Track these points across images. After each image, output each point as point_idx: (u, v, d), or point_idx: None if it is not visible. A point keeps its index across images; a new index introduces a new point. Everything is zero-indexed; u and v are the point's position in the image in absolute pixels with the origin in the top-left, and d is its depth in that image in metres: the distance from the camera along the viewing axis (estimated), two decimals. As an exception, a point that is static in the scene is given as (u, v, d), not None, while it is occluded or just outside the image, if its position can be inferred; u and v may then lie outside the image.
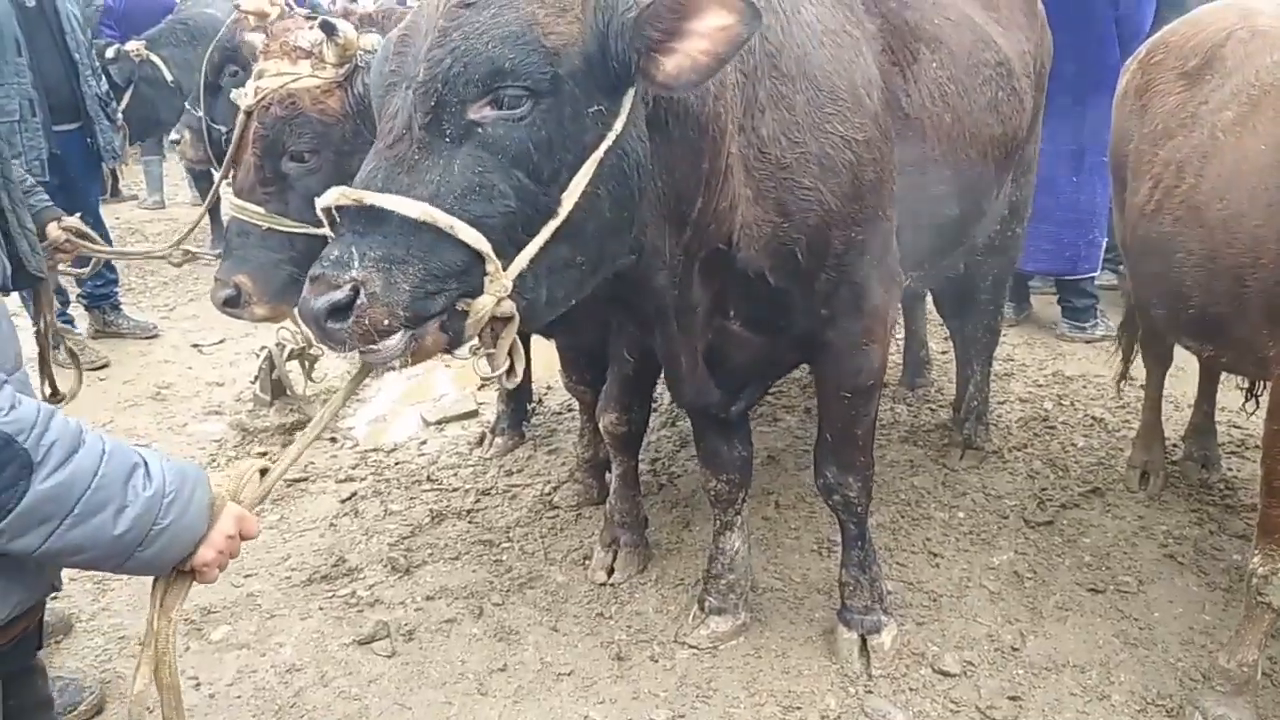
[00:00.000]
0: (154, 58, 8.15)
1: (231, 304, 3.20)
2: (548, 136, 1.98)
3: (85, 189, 6.03)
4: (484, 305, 1.95)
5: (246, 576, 3.68)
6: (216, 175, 4.29)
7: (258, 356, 5.24)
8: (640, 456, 3.86)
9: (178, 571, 1.86)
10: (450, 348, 2.01)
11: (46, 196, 3.46)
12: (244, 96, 3.25)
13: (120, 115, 8.01)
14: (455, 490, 4.35)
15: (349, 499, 4.29)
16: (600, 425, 3.64)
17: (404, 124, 1.96)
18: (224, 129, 3.94)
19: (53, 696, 2.44)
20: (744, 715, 2.97)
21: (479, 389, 5.34)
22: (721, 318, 2.75)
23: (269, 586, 3.65)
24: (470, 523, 4.06)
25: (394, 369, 1.96)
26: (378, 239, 1.88)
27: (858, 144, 2.63)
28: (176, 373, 5.87)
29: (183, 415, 5.29)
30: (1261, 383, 3.55)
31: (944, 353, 5.34)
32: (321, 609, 3.51)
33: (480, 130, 1.95)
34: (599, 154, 2.03)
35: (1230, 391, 4.03)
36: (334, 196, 1.92)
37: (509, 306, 1.99)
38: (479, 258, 1.92)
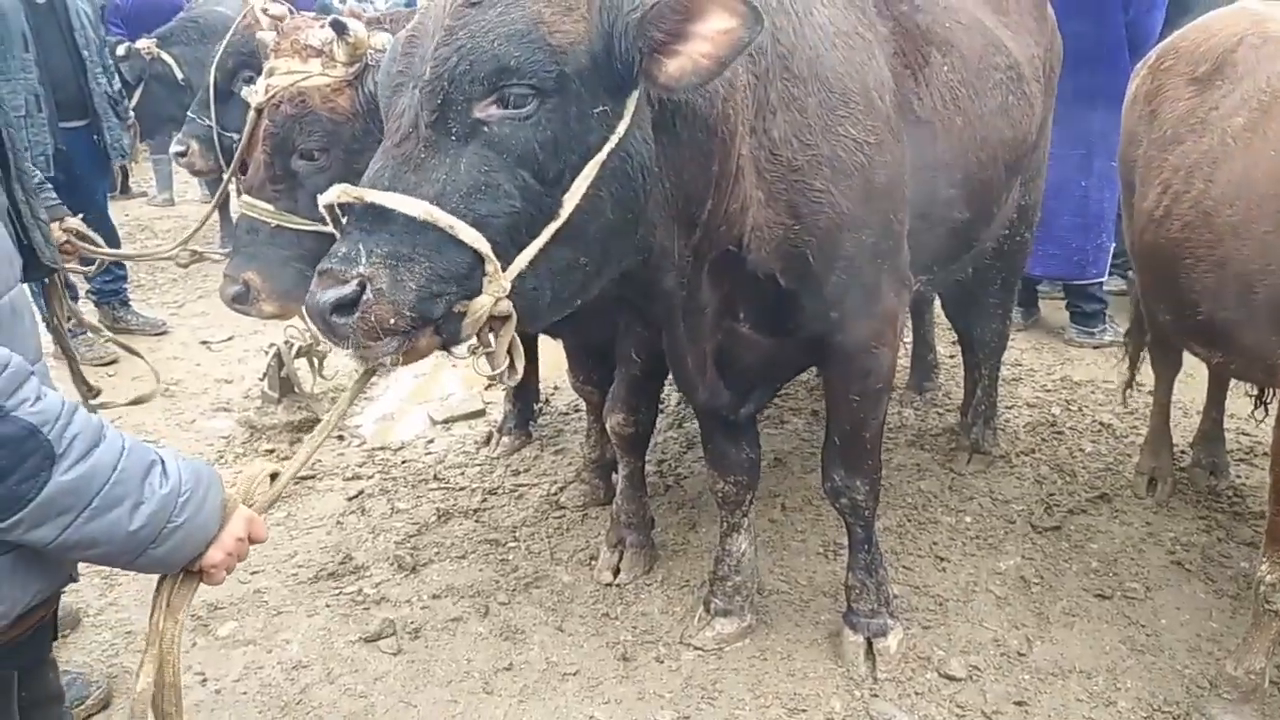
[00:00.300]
0: (165, 55, 8.18)
1: (240, 300, 3.21)
2: (553, 136, 1.99)
3: (92, 187, 6.05)
4: (481, 305, 1.96)
5: (253, 573, 3.69)
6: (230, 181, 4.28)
7: (266, 354, 5.24)
8: (647, 457, 3.86)
9: (185, 572, 1.87)
10: (446, 346, 2.02)
11: (54, 195, 3.47)
12: (255, 94, 3.26)
13: (131, 113, 8.06)
14: (462, 489, 4.35)
15: (356, 497, 4.30)
16: (607, 426, 3.65)
17: (410, 123, 1.97)
18: (236, 136, 3.92)
19: (63, 690, 2.45)
20: (749, 717, 2.97)
21: (486, 388, 5.35)
22: (731, 319, 2.75)
23: (276, 583, 3.67)
24: (477, 522, 4.06)
25: (385, 366, 1.96)
26: (385, 236, 1.90)
27: (870, 146, 2.63)
28: (185, 369, 5.89)
29: (191, 412, 5.30)
30: (1270, 390, 3.55)
31: (951, 357, 5.33)
32: (328, 606, 3.52)
33: (486, 129, 1.96)
34: (602, 155, 2.04)
35: (1239, 398, 4.03)
36: (336, 194, 1.94)
37: (506, 306, 1.99)
38: (480, 258, 1.93)
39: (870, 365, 2.90)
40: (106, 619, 3.48)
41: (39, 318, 2.31)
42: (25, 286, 1.97)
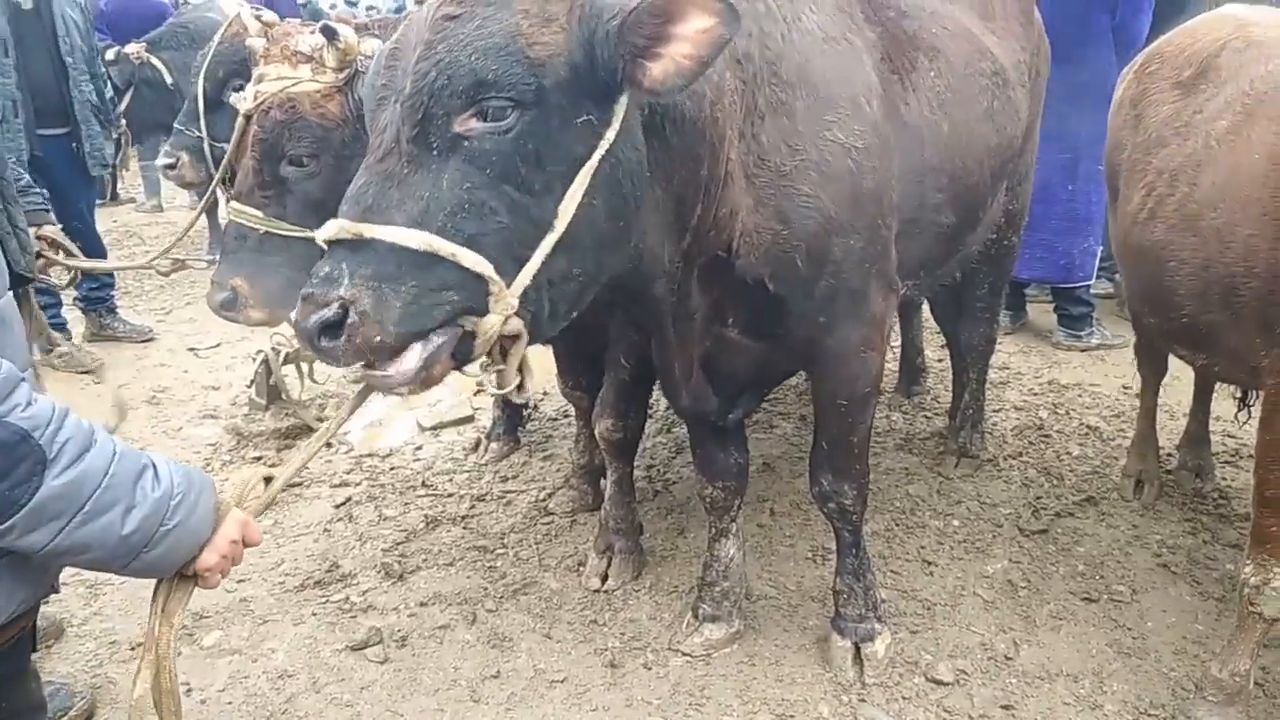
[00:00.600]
0: (154, 60, 8.17)
1: (228, 307, 3.20)
2: (536, 148, 1.98)
3: (72, 195, 6.00)
4: (491, 325, 1.96)
5: (239, 582, 3.67)
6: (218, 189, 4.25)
7: (254, 361, 5.23)
8: (636, 463, 3.86)
9: (180, 576, 1.86)
10: (459, 367, 2.01)
11: (41, 198, 3.44)
12: (243, 100, 3.25)
13: (123, 119, 8.03)
14: (450, 496, 4.34)
15: (343, 504, 4.29)
16: (596, 431, 3.64)
17: (392, 138, 1.97)
18: (227, 147, 3.89)
19: (45, 701, 2.43)
20: (737, 723, 2.97)
21: (474, 394, 5.33)
22: (720, 324, 2.75)
23: (262, 592, 3.65)
24: (465, 529, 4.05)
25: (402, 394, 1.96)
26: (369, 256, 1.89)
27: (857, 151, 2.63)
28: (172, 376, 5.87)
29: (178, 419, 5.28)
30: (1254, 392, 3.56)
31: (940, 360, 5.34)
32: (314, 615, 3.50)
33: (467, 143, 1.95)
34: (592, 164, 2.03)
35: (1225, 401, 4.04)
36: (334, 230, 1.92)
37: (516, 324, 1.99)
38: (472, 275, 1.92)
39: (858, 369, 2.90)
40: (91, 629, 3.46)
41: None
42: (11, 295, 1.97)
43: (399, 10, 11.27)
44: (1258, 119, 2.91)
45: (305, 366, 4.99)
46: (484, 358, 2.04)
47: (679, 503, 4.21)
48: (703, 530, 3.51)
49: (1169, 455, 4.27)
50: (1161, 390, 4.13)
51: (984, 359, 4.42)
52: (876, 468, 4.29)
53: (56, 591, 2.15)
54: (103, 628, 3.46)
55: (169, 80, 7.98)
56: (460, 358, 1.99)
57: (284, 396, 4.96)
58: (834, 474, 3.04)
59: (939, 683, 3.07)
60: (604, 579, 3.62)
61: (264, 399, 4.99)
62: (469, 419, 5.15)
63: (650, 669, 3.19)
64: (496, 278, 1.93)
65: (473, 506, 4.23)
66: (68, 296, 6.27)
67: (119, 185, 10.75)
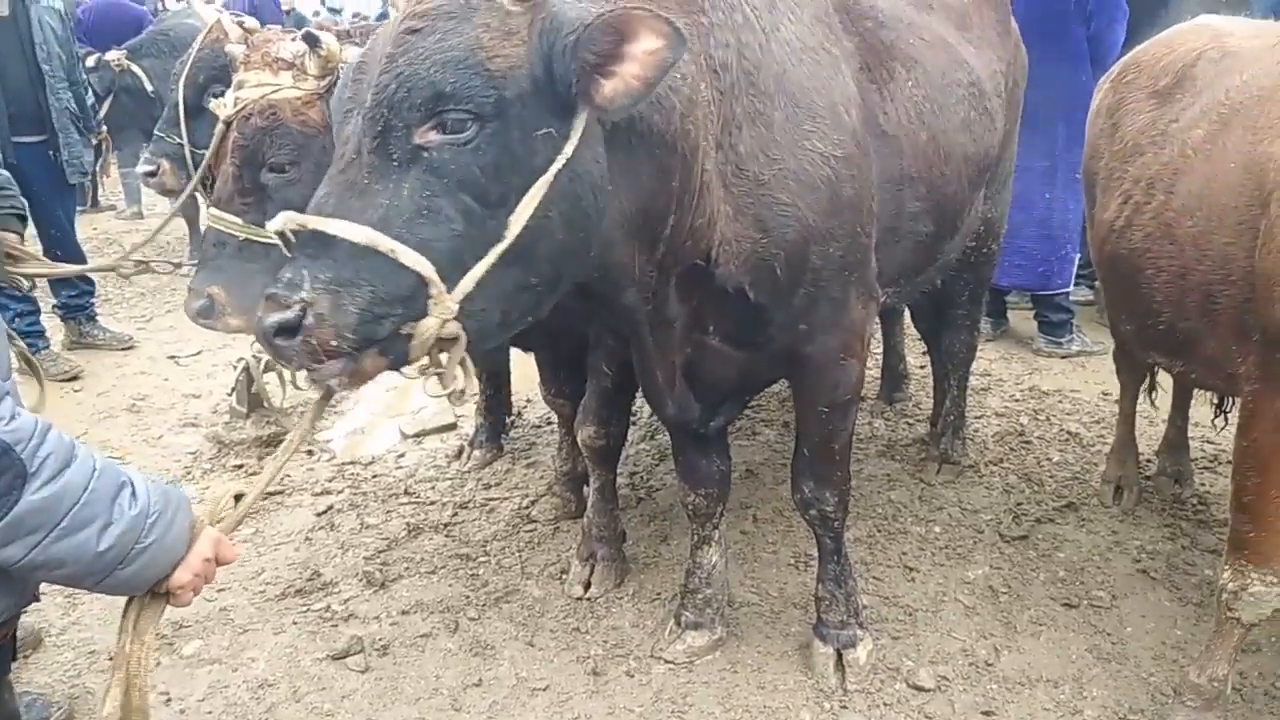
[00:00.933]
0: (135, 68, 8.14)
1: (205, 315, 3.18)
2: (494, 160, 1.99)
3: (50, 203, 5.96)
4: (428, 328, 1.97)
5: (219, 591, 3.65)
6: (198, 195, 4.23)
7: (235, 369, 5.21)
8: (619, 470, 3.86)
9: (152, 594, 1.86)
10: (394, 367, 2.03)
11: (19, 204, 3.39)
12: (223, 107, 3.24)
13: (103, 126, 7.99)
14: (432, 504, 4.33)
15: (325, 512, 4.27)
16: (578, 439, 3.64)
17: (354, 149, 1.99)
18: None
19: (19, 711, 2.42)
20: (719, 730, 2.97)
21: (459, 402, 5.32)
22: (700, 333, 2.76)
23: (242, 601, 3.63)
24: (447, 536, 4.04)
25: (332, 387, 1.98)
26: (328, 262, 1.91)
27: (836, 160, 2.64)
28: (153, 384, 5.83)
29: (158, 427, 5.25)
30: (1231, 398, 3.59)
31: (922, 367, 5.37)
32: (295, 624, 3.48)
33: (426, 154, 1.97)
34: (548, 177, 2.04)
35: (1203, 406, 4.07)
36: (282, 221, 1.95)
37: (454, 328, 2.00)
38: (415, 277, 1.93)
39: (839, 377, 2.92)
40: (69, 638, 3.43)
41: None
42: None
43: (383, 17, 11.24)
44: (1233, 128, 2.93)
45: (287, 374, 4.97)
46: (423, 359, 2.04)
47: (662, 510, 4.21)
48: (685, 537, 3.52)
49: (1148, 461, 4.30)
50: (1140, 396, 4.16)
51: (965, 365, 4.45)
52: (859, 474, 4.30)
53: (37, 600, 2.14)
54: (81, 637, 3.44)
55: (149, 87, 7.96)
56: (396, 358, 2.00)
57: (265, 404, 4.93)
58: (816, 481, 3.05)
59: (920, 689, 3.08)
60: (586, 586, 3.61)
61: (245, 407, 4.97)
62: (452, 426, 5.14)
63: (633, 676, 3.19)
64: (436, 280, 1.94)
65: (455, 514, 4.22)
66: (46, 304, 6.25)
67: (99, 192, 10.70)
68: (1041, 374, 5.58)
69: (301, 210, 2.45)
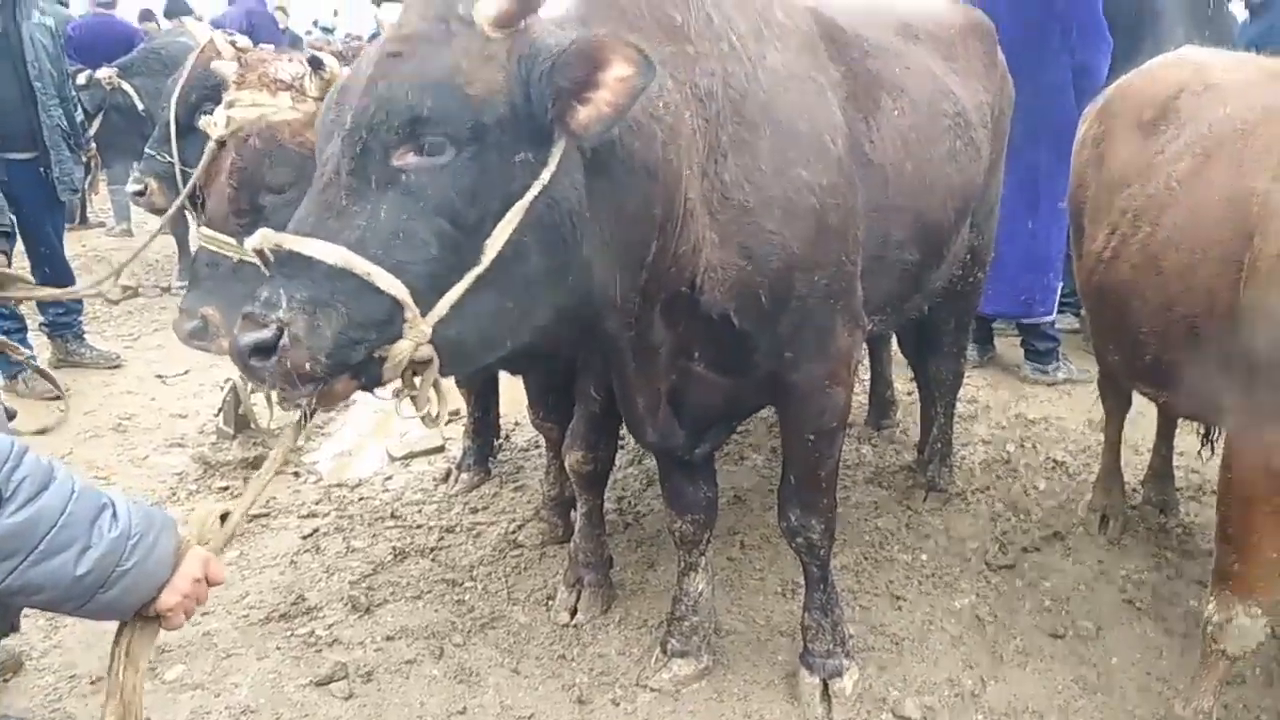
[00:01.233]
0: (126, 86, 8.16)
1: (198, 336, 3.17)
2: (471, 184, 2.00)
3: (39, 220, 5.96)
4: (401, 350, 1.97)
5: (203, 615, 3.61)
6: (188, 214, 4.22)
7: (222, 389, 5.19)
8: (606, 494, 3.85)
9: (142, 618, 1.83)
10: (367, 389, 2.04)
11: (4, 217, 3.37)
12: (214, 125, 3.24)
13: (93, 143, 7.99)
14: (419, 527, 4.31)
15: (311, 535, 4.25)
16: (566, 463, 3.63)
17: (334, 170, 1.99)
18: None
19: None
20: (704, 760, 2.95)
21: (445, 424, 5.30)
22: (685, 359, 2.76)
23: (226, 625, 3.60)
24: (433, 561, 4.02)
25: (301, 408, 2.00)
26: (305, 282, 1.91)
27: (821, 189, 2.66)
28: (139, 404, 5.81)
29: (144, 448, 5.22)
30: (1217, 429, 3.60)
31: (909, 393, 5.37)
32: (279, 649, 3.45)
33: (404, 177, 1.97)
34: (525, 202, 2.04)
35: (1189, 435, 4.09)
36: (259, 239, 1.95)
37: (427, 352, 2.00)
38: (390, 300, 1.94)
39: (825, 404, 2.92)
40: (50, 662, 3.40)
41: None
42: None
43: (375, 37, 11.28)
44: (1216, 162, 2.96)
45: (274, 395, 4.95)
46: (397, 381, 2.04)
47: (649, 535, 4.20)
48: (673, 563, 3.50)
49: (1134, 490, 4.31)
50: (1126, 425, 4.17)
51: (952, 393, 4.46)
52: (846, 501, 4.30)
53: (17, 630, 2.12)
54: (63, 661, 3.40)
55: (140, 106, 7.99)
56: (369, 380, 2.01)
57: (252, 425, 4.92)
58: (802, 508, 3.05)
59: (906, 719, 3.07)
60: (573, 613, 3.60)
61: (232, 428, 4.96)
62: (439, 449, 5.13)
63: (618, 704, 3.17)
64: (411, 304, 1.95)
65: (441, 538, 4.20)
66: (33, 321, 6.22)
67: (88, 209, 10.69)
68: (1028, 401, 5.60)
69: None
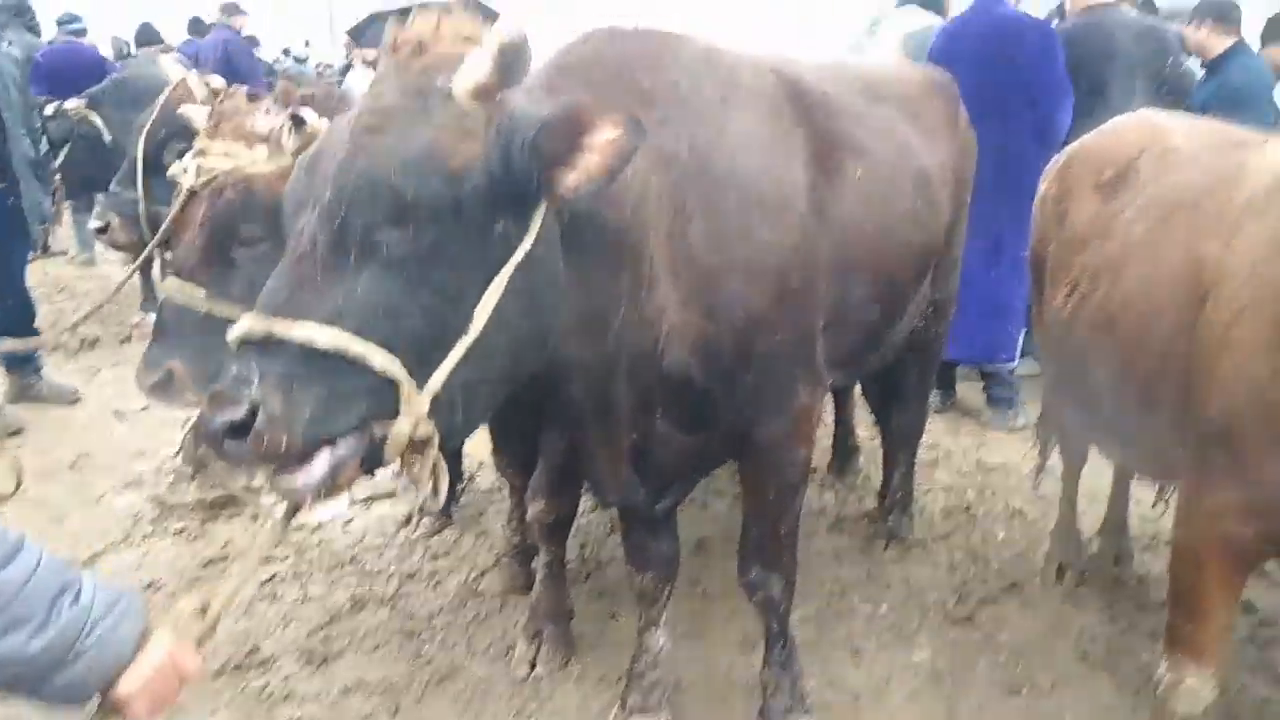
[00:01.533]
0: (93, 117, 8.09)
1: (160, 390, 3.10)
2: (452, 257, 1.99)
3: (4, 251, 5.90)
4: (402, 430, 1.93)
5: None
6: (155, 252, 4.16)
7: (182, 428, 5.12)
8: (569, 541, 3.83)
9: (103, 711, 1.77)
10: (369, 471, 1.98)
11: None
12: (185, 173, 3.21)
13: (57, 174, 7.91)
14: (379, 573, 4.27)
15: (269, 581, 4.18)
16: (529, 514, 3.62)
17: (309, 242, 1.95)
18: (164, 209, 3.78)
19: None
20: (662, 819, 2.93)
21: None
22: (647, 417, 2.76)
23: (178, 676, 3.52)
24: (392, 609, 3.98)
25: (305, 503, 1.91)
26: (280, 357, 1.86)
27: (784, 249, 2.69)
28: (97, 441, 5.72)
29: (100, 486, 5.14)
30: (1171, 486, 3.64)
31: (872, 438, 5.39)
32: (231, 703, 3.39)
33: (384, 252, 1.94)
34: (508, 270, 2.04)
35: (1145, 487, 4.12)
36: (247, 325, 1.89)
37: (428, 428, 1.97)
38: (383, 378, 1.90)
39: (786, 460, 2.94)
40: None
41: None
42: None
43: (348, 67, 11.27)
44: (1172, 225, 3.01)
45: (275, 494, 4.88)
46: (396, 463, 2.01)
47: (611, 584, 4.17)
48: (634, 615, 3.48)
49: (1091, 541, 4.34)
50: (1083, 475, 4.21)
51: (913, 442, 4.49)
52: (808, 549, 4.29)
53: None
54: None
55: (106, 136, 7.90)
56: (370, 464, 1.96)
57: (211, 466, 4.84)
58: (762, 565, 3.05)
59: (864, 778, 3.07)
60: (532, 666, 3.57)
61: (191, 468, 4.88)
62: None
63: (576, 761, 3.14)
64: (407, 380, 1.92)
65: (401, 586, 4.16)
66: (-10, 356, 6.13)
67: (50, 239, 10.56)
68: (989, 448, 5.64)
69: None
